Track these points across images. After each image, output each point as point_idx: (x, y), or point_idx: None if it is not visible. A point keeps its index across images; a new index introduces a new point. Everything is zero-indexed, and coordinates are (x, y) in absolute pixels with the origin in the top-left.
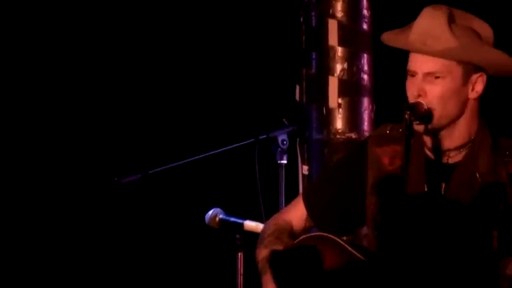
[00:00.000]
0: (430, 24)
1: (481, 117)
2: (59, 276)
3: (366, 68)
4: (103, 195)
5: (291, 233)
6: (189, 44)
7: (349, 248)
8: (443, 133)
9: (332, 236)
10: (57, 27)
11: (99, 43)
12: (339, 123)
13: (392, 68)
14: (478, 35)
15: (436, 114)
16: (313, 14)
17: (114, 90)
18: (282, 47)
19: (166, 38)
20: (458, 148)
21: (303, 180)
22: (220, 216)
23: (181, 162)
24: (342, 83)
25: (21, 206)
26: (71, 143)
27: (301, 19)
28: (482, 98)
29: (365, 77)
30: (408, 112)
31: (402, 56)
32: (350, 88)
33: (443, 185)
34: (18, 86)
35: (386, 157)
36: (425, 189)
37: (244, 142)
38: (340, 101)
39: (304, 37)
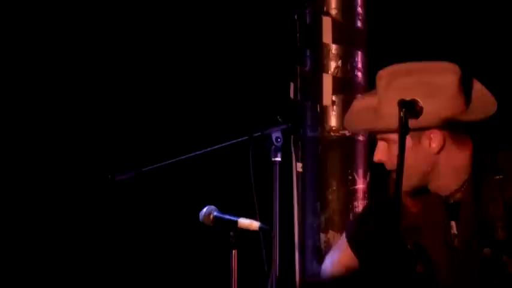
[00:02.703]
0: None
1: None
2: (53, 273)
3: (360, 65)
4: (97, 193)
5: None
6: (182, 42)
7: None
8: (431, 186)
9: None
10: (49, 24)
11: (92, 42)
12: (333, 121)
13: (386, 65)
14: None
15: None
16: (307, 11)
17: (109, 88)
18: (276, 45)
19: (159, 37)
20: (456, 191)
21: (297, 178)
22: (215, 213)
23: (175, 159)
24: (336, 80)
25: (15, 203)
26: (65, 140)
27: (296, 16)
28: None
29: (359, 74)
30: (403, 110)
31: (396, 53)
32: (344, 85)
33: (454, 223)
34: (11, 85)
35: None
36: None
37: (238, 140)
38: (334, 98)
39: (298, 34)
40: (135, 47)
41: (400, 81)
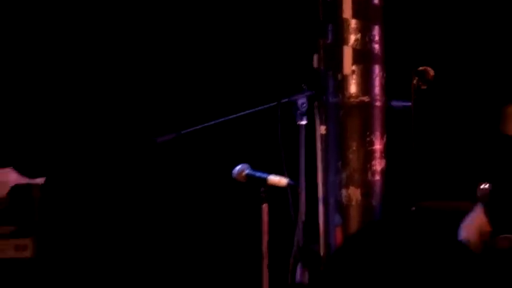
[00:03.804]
0: None
1: None
2: (95, 229)
3: (377, 38)
4: (141, 153)
5: None
6: (223, 17)
7: None
8: None
9: None
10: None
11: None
12: (352, 88)
13: (400, 38)
14: None
15: None
16: None
17: (155, 57)
18: (301, 20)
19: (201, 13)
20: None
21: (320, 140)
22: (247, 171)
23: (213, 122)
24: (355, 52)
25: (62, 163)
26: (112, 104)
27: None
28: None
29: (376, 46)
30: (416, 78)
31: (409, 27)
32: (363, 56)
33: None
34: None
35: None
36: None
37: (268, 105)
38: (353, 68)
39: (321, 11)
40: (180, 22)
41: None
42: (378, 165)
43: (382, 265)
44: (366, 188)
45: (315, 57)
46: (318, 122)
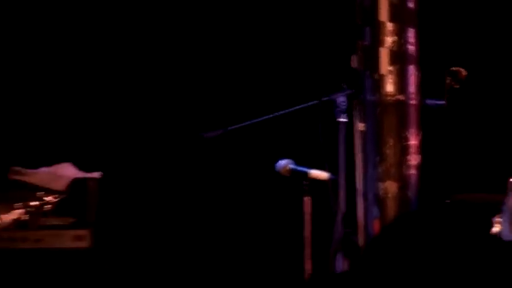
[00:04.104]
0: None
1: None
2: (146, 221)
3: (412, 40)
4: (189, 148)
5: None
6: (272, 19)
7: None
8: None
9: None
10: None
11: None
12: (389, 87)
13: (434, 40)
14: None
15: None
16: None
17: (203, 57)
18: (341, 24)
19: (243, 10)
20: None
21: (359, 136)
22: (290, 166)
23: (258, 119)
24: (391, 53)
25: (110, 156)
26: (162, 100)
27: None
28: None
29: (411, 48)
30: (449, 77)
31: (443, 29)
32: (398, 57)
33: None
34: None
35: None
36: None
37: (310, 103)
38: (390, 68)
39: (359, 14)
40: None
41: None
42: (414, 160)
43: (416, 253)
44: (402, 181)
45: (354, 58)
46: (356, 119)
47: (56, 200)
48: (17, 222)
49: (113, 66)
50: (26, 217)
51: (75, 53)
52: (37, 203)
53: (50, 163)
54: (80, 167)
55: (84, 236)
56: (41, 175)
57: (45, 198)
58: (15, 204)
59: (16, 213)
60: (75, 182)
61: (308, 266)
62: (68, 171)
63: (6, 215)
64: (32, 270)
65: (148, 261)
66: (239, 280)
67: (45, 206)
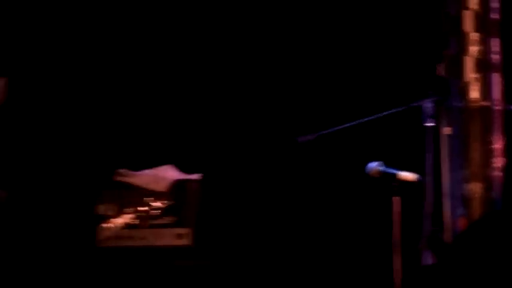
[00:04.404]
0: None
1: None
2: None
3: (496, 49)
4: (284, 151)
5: None
6: (364, 28)
7: None
8: None
9: None
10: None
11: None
12: (474, 94)
13: None
14: None
15: None
16: (451, 6)
17: (302, 61)
18: (427, 34)
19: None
20: None
21: (445, 139)
22: (380, 168)
23: (350, 124)
24: (476, 61)
25: (210, 159)
26: (260, 105)
27: (443, 11)
28: None
29: (495, 56)
30: None
31: None
32: (483, 66)
33: None
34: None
35: None
36: None
37: (399, 109)
38: (474, 76)
39: (445, 25)
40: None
41: None
42: (498, 162)
43: (500, 249)
44: (487, 182)
45: (440, 66)
46: (443, 124)
47: (164, 206)
48: (126, 226)
49: (214, 71)
50: (136, 221)
51: (179, 58)
52: (146, 208)
53: (153, 165)
54: (181, 169)
55: (185, 234)
56: (145, 177)
57: (153, 204)
58: (125, 209)
59: (126, 218)
60: (177, 183)
61: (397, 262)
62: (169, 173)
63: (117, 219)
64: (137, 267)
65: (245, 259)
66: (333, 277)
67: (153, 212)
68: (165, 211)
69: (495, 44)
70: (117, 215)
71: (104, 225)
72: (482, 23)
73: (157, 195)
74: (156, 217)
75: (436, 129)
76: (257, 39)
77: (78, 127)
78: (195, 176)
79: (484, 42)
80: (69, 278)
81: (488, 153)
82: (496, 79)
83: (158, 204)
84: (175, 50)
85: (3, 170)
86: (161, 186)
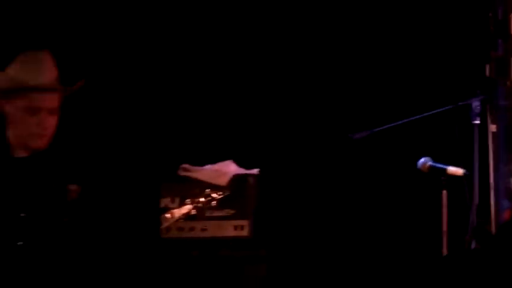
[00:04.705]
0: None
1: None
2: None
3: None
4: (338, 147)
5: None
6: (415, 31)
7: None
8: None
9: None
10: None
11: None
12: None
13: None
14: None
15: None
16: (499, 10)
17: (358, 62)
18: (475, 37)
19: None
20: None
21: (491, 136)
22: (429, 163)
23: (402, 121)
24: None
25: (267, 155)
26: (316, 103)
27: (491, 14)
28: None
29: None
30: None
31: None
32: None
33: None
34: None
35: None
36: None
37: (448, 107)
38: None
39: (492, 28)
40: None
41: None
42: None
43: None
44: None
45: (487, 67)
46: (489, 121)
47: (220, 196)
48: (186, 216)
49: (273, 70)
50: (195, 212)
51: (239, 57)
52: (204, 199)
53: (214, 161)
54: (241, 164)
55: (244, 226)
56: (206, 172)
57: (212, 195)
58: (186, 200)
59: (186, 209)
60: (236, 177)
61: (445, 253)
62: (229, 168)
63: (177, 210)
64: (198, 257)
65: (300, 250)
66: (385, 267)
67: (212, 202)
68: (224, 203)
69: None
70: (178, 207)
71: (166, 216)
72: None
73: (215, 188)
74: (213, 208)
75: (482, 127)
76: (312, 36)
77: (144, 126)
78: (253, 171)
79: None
80: (135, 268)
81: None
82: None
83: (215, 195)
84: (239, 48)
85: (76, 166)
86: (222, 181)
